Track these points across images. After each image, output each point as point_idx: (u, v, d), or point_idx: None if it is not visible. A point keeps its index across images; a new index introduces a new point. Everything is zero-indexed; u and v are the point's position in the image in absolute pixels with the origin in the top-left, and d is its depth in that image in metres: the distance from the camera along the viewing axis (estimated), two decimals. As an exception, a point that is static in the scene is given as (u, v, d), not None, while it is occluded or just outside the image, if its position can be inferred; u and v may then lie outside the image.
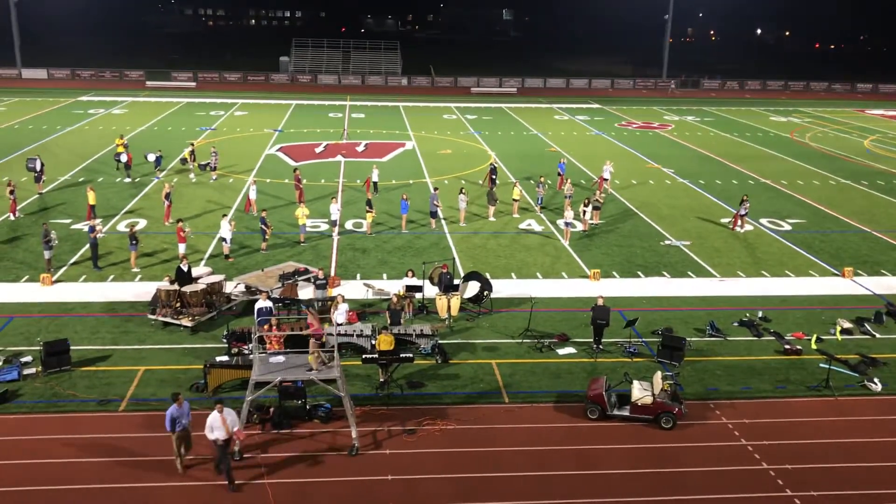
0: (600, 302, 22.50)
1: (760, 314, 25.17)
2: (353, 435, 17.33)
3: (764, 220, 36.14)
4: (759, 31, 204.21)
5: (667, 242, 32.66)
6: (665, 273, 29.11)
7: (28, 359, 20.84)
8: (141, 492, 15.72)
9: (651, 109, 75.37)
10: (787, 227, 35.30)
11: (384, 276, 27.82)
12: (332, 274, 27.58)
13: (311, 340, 17.87)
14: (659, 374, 19.33)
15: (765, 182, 44.35)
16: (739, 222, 34.47)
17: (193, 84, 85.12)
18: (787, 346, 22.80)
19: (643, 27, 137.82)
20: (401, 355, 19.92)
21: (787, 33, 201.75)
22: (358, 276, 27.78)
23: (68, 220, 33.06)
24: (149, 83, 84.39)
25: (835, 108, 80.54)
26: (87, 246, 28.47)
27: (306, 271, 25.86)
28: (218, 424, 15.66)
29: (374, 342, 21.15)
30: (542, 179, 37.78)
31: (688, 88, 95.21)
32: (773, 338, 23.64)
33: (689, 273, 29.19)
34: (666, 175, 45.54)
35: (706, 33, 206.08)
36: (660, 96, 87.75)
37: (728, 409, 19.55)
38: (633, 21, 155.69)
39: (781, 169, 48.03)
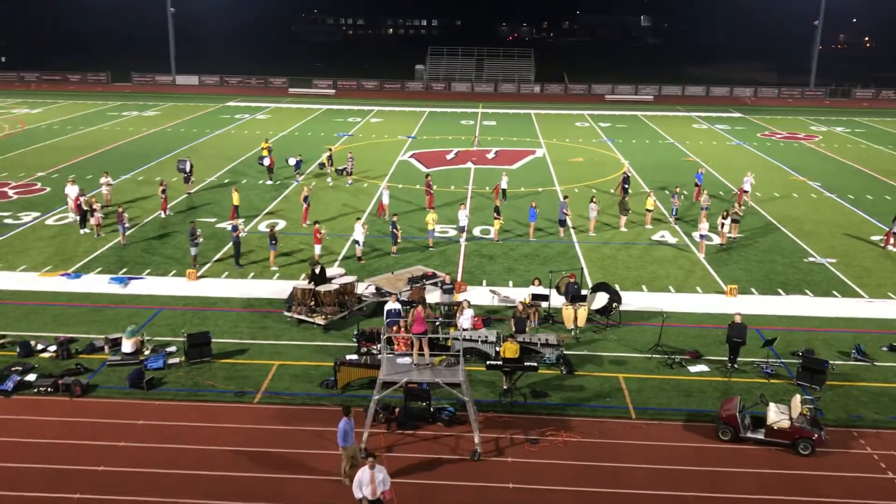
0: (737, 319, 21.59)
1: (914, 339, 23.48)
2: (476, 440, 17.36)
3: (920, 239, 33.68)
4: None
5: (811, 259, 30.98)
6: (808, 291, 27.61)
7: (173, 349, 22.11)
8: (270, 483, 16.32)
9: (797, 119, 71.84)
10: (947, 247, 32.75)
11: (510, 283, 27.77)
12: (459, 279, 27.77)
13: (414, 338, 18.06)
14: (798, 397, 18.33)
15: (922, 198, 41.38)
16: (892, 240, 32.28)
17: (333, 91, 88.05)
18: (944, 376, 21.14)
19: (790, 33, 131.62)
20: (525, 363, 19.79)
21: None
22: (484, 282, 27.86)
23: (213, 220, 34.86)
24: (291, 90, 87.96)
25: None
26: (230, 244, 29.92)
27: (434, 275, 26.17)
28: (367, 481, 14.55)
29: (498, 349, 21.13)
30: (678, 190, 36.69)
31: (838, 98, 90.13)
32: (927, 365, 21.99)
33: (835, 293, 27.56)
34: (811, 188, 43.24)
35: (860, 40, 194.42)
36: (807, 105, 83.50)
37: (874, 438, 18.30)
38: (779, 27, 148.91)
39: (942, 184, 44.66)
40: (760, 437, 17.92)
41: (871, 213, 37.94)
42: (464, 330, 21.98)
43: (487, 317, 24.57)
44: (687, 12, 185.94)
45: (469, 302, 22.96)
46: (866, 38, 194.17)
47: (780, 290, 27.65)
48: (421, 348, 18.14)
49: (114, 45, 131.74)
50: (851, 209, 38.89)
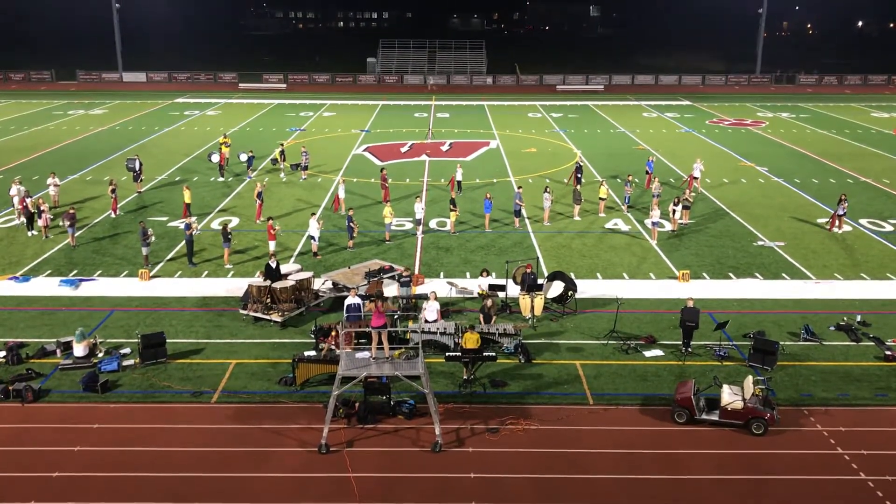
0: (690, 304, 21.99)
1: (859, 318, 24.11)
2: (437, 432, 17.43)
3: (864, 221, 34.62)
4: (860, 23, 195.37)
5: (760, 243, 31.65)
6: (757, 275, 28.22)
7: (127, 350, 21.77)
8: (232, 482, 16.19)
9: (744, 106, 73.20)
10: (889, 228, 33.71)
11: (467, 274, 27.87)
12: (416, 272, 27.81)
13: (373, 332, 18.06)
14: (750, 378, 18.77)
15: (865, 181, 42.48)
16: (837, 223, 33.12)
17: (284, 86, 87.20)
18: (889, 353, 21.77)
19: (736, 22, 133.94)
20: (484, 354, 19.91)
21: (893, 25, 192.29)
22: (441, 274, 27.93)
23: (165, 218, 34.35)
24: (241, 85, 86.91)
25: (943, 102, 76.47)
26: (183, 243, 29.52)
27: (391, 269, 26.16)
28: None
29: (457, 340, 21.22)
30: (630, 178, 37.16)
31: (783, 84, 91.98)
32: (872, 343, 22.63)
33: (784, 275, 28.22)
34: (759, 173, 44.13)
35: (803, 27, 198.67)
36: (753, 92, 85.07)
37: (823, 416, 18.81)
38: (725, 15, 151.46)
39: (884, 167, 45.89)
40: (715, 418, 18.28)
41: (817, 197, 38.87)
42: (426, 322, 22.01)
43: (446, 309, 24.62)
44: (635, 2, 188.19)
45: (436, 294, 22.95)
46: (809, 25, 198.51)
47: (730, 274, 28.21)
48: (380, 342, 18.14)
49: (58, 42, 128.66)
50: (798, 193, 39.79)
